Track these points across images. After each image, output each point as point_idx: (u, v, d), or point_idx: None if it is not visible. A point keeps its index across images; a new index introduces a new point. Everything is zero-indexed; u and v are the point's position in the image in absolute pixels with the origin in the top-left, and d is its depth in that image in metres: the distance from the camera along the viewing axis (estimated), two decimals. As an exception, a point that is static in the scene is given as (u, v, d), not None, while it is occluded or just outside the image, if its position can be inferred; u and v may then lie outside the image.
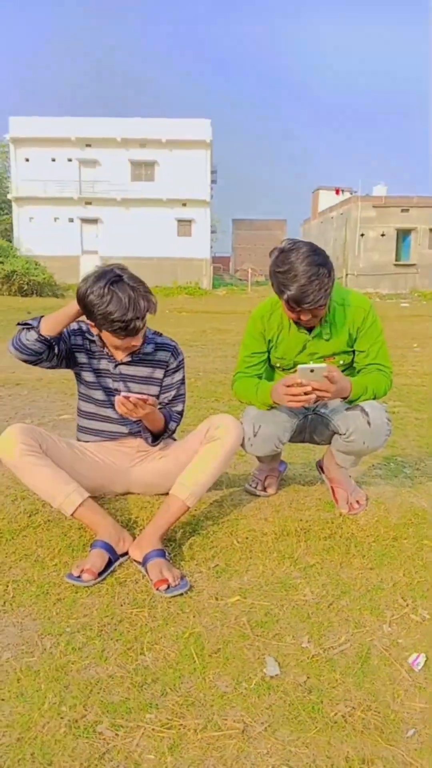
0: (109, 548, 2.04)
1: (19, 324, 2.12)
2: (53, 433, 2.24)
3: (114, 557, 2.05)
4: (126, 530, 2.16)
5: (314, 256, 2.00)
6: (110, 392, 2.26)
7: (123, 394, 1.98)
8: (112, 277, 1.97)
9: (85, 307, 2.00)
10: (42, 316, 2.11)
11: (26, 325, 2.08)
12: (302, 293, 1.98)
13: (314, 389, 1.98)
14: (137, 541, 2.10)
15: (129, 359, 2.23)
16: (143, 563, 2.03)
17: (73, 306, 2.05)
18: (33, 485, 2.07)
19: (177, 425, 2.31)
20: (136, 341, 2.10)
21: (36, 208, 35.84)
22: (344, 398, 2.14)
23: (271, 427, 2.26)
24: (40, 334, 2.06)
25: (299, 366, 2.01)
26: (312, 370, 1.97)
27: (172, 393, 2.32)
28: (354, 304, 2.23)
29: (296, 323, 2.19)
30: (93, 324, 2.06)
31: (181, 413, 2.36)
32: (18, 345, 2.07)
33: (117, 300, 1.94)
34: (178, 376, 2.32)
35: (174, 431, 2.31)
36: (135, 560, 2.07)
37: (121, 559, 2.07)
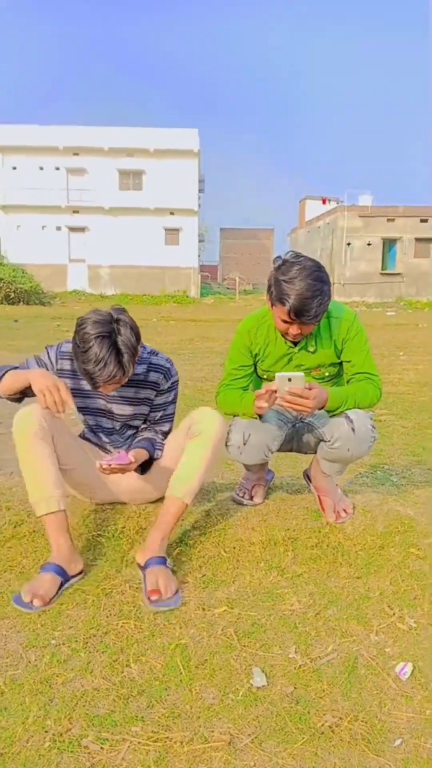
0: (62, 571, 2.00)
1: None
2: (63, 425, 2.20)
3: (65, 579, 2.01)
4: (78, 554, 2.12)
5: (319, 273, 2.03)
6: (101, 413, 2.26)
7: (101, 463, 2.00)
8: (107, 330, 1.91)
9: (73, 340, 1.98)
10: (6, 371, 2.13)
11: None
12: (303, 306, 1.99)
13: (291, 403, 1.99)
14: (142, 546, 2.10)
15: None
16: (143, 569, 2.02)
17: (33, 381, 2.04)
18: (25, 468, 2.03)
19: (161, 450, 2.28)
20: (111, 388, 2.04)
21: (23, 216, 35.75)
22: (322, 408, 2.12)
23: (260, 436, 2.26)
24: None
25: (277, 374, 2.01)
26: (290, 379, 1.98)
27: (160, 414, 2.30)
28: (338, 316, 2.25)
29: (284, 335, 2.19)
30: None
31: (166, 433, 2.34)
32: None
33: (94, 356, 1.89)
34: (169, 397, 2.28)
35: (158, 458, 2.28)
36: (139, 565, 2.07)
37: (72, 580, 2.03)
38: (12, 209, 35.73)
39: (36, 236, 35.72)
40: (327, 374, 2.31)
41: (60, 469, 2.17)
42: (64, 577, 2.00)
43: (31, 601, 1.89)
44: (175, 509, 2.09)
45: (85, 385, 2.18)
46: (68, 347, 2.15)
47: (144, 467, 2.25)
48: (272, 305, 2.10)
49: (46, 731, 1.40)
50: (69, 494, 2.43)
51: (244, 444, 2.26)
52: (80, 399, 2.23)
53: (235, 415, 2.31)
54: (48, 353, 2.22)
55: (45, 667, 1.63)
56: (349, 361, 2.27)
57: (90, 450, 2.31)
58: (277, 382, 2.00)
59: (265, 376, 2.36)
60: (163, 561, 2.03)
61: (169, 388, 2.26)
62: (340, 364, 2.31)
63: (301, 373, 2.01)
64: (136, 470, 2.22)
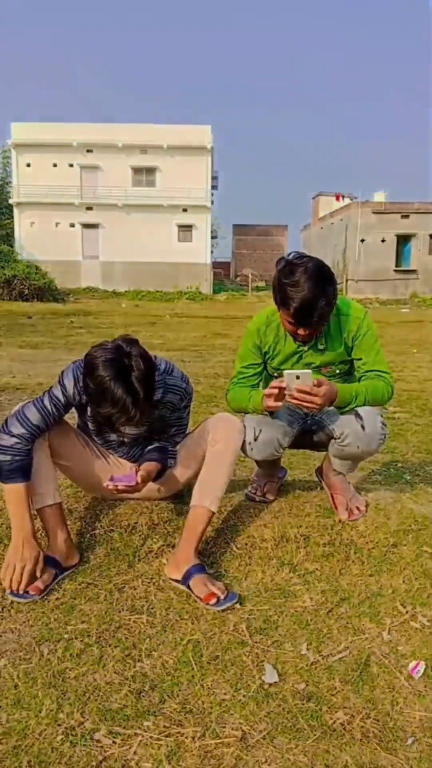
0: (56, 563, 2.03)
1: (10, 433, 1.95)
2: (65, 421, 2.18)
3: (60, 571, 2.04)
4: (75, 547, 2.14)
5: (322, 274, 2.00)
6: (110, 443, 2.22)
7: (108, 483, 1.97)
8: (119, 370, 1.77)
9: (84, 383, 1.86)
10: (15, 477, 1.96)
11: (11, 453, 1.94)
12: (308, 309, 1.98)
13: (300, 400, 1.97)
14: (173, 560, 2.08)
15: None
16: (184, 581, 2.00)
17: (11, 547, 1.98)
18: None
19: (174, 459, 2.25)
20: (129, 428, 1.96)
21: (37, 213, 35.95)
22: (332, 404, 2.10)
23: (271, 432, 2.26)
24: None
25: (285, 371, 2.00)
26: (297, 377, 1.97)
27: (174, 429, 2.24)
28: (348, 313, 2.23)
29: (293, 336, 2.19)
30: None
31: (178, 442, 2.30)
32: None
33: (110, 400, 1.77)
34: (183, 413, 2.23)
35: (171, 466, 2.24)
36: (173, 579, 2.04)
37: (67, 572, 2.06)
38: (26, 206, 35.93)
39: (50, 233, 35.90)
40: (338, 371, 2.30)
41: (61, 464, 2.19)
42: (58, 568, 2.02)
43: (27, 591, 1.92)
44: (203, 518, 2.07)
45: None
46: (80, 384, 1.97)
47: (157, 474, 2.22)
48: (278, 308, 2.10)
49: (58, 725, 1.41)
50: (80, 490, 2.44)
51: (255, 440, 2.25)
52: (91, 422, 2.15)
53: (245, 413, 2.31)
54: (65, 387, 1.98)
55: (58, 661, 1.64)
56: (359, 359, 2.26)
57: (94, 445, 2.26)
58: (286, 379, 1.99)
59: (275, 374, 2.35)
60: (202, 568, 2.02)
61: (184, 406, 2.20)
62: (351, 361, 2.30)
63: (309, 370, 2.01)
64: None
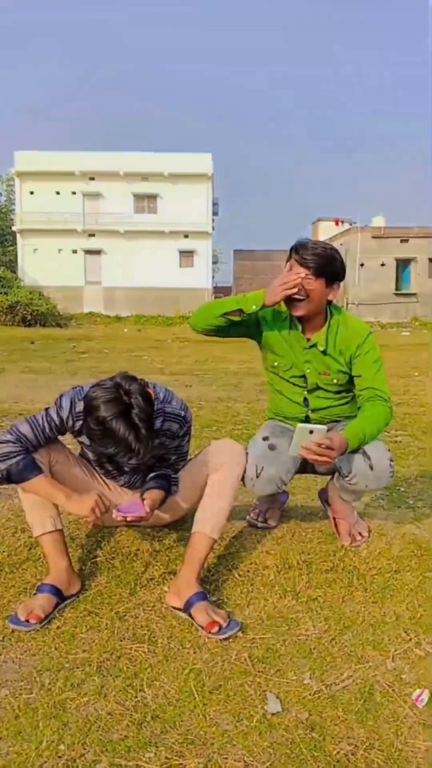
0: (57, 592, 2.00)
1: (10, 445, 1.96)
2: (66, 448, 2.19)
3: (61, 600, 2.01)
4: (77, 575, 2.13)
5: (334, 249, 2.20)
6: (111, 472, 2.18)
7: (117, 514, 1.95)
8: (120, 409, 1.77)
9: (86, 423, 1.85)
10: (33, 471, 1.96)
11: (10, 461, 1.95)
12: (307, 246, 2.15)
13: (318, 454, 1.95)
14: (174, 587, 2.06)
15: None
16: (185, 609, 1.98)
17: (72, 510, 1.98)
18: (21, 490, 2.04)
19: (177, 486, 2.23)
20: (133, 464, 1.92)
21: (40, 240, 36.36)
22: (344, 453, 2.07)
23: (273, 469, 2.25)
24: (3, 480, 1.98)
25: (299, 425, 1.98)
26: (311, 431, 1.96)
27: (174, 456, 2.22)
28: (352, 328, 2.25)
29: (287, 305, 2.20)
30: (103, 510, 1.97)
31: (179, 469, 2.28)
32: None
33: (113, 441, 1.78)
34: (183, 441, 2.20)
35: (174, 494, 2.22)
36: (174, 607, 2.03)
37: (68, 601, 2.04)
38: (29, 233, 36.35)
39: (52, 259, 36.27)
40: (335, 381, 2.29)
41: None
42: (60, 597, 2.01)
43: (27, 620, 1.90)
44: (204, 545, 2.06)
45: None
46: (82, 407, 1.91)
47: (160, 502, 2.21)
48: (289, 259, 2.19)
49: (59, 756, 1.40)
50: (80, 518, 2.43)
51: (257, 477, 2.24)
52: (91, 452, 2.14)
53: (212, 328, 2.23)
54: (61, 408, 1.99)
55: (59, 691, 1.63)
56: (359, 376, 2.24)
57: (96, 472, 2.26)
58: (297, 434, 1.97)
59: (276, 363, 2.33)
60: (204, 596, 2.00)
61: (184, 434, 2.17)
62: (351, 378, 2.29)
63: (324, 426, 2.02)
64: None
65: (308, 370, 2.28)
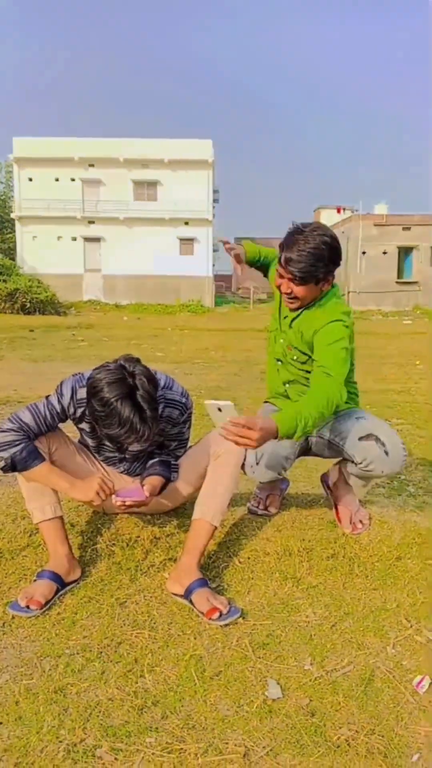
0: (57, 578, 2.00)
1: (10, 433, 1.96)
2: (66, 435, 2.18)
3: (62, 586, 2.01)
4: (77, 561, 2.13)
5: (327, 240, 2.10)
6: (111, 459, 2.20)
7: (117, 499, 1.94)
8: (125, 390, 1.78)
9: (90, 405, 1.85)
10: (35, 459, 1.97)
11: (13, 449, 1.95)
12: (294, 255, 2.08)
13: (234, 434, 1.80)
14: (174, 574, 2.06)
15: None
16: (186, 595, 1.98)
17: (77, 496, 1.99)
18: (21, 478, 2.05)
19: (177, 473, 2.23)
20: (137, 447, 1.94)
21: (39, 227, 36.15)
22: (277, 438, 1.89)
23: (273, 455, 2.24)
24: (6, 467, 1.98)
25: (205, 402, 1.89)
26: (220, 408, 1.83)
27: (175, 443, 2.22)
28: (323, 311, 2.20)
29: (278, 288, 2.22)
30: (111, 487, 1.98)
31: (179, 456, 2.28)
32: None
33: (117, 421, 1.77)
34: (183, 428, 2.20)
35: (174, 480, 2.22)
36: (175, 593, 2.03)
37: (68, 587, 2.04)
38: (28, 220, 36.14)
39: (52, 247, 36.09)
40: (295, 357, 2.30)
41: None
42: (60, 583, 2.01)
43: (27, 606, 1.90)
44: (205, 532, 2.06)
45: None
46: (83, 394, 1.93)
47: (160, 488, 2.21)
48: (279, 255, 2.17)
49: (60, 741, 1.40)
50: (81, 504, 2.43)
51: (257, 463, 2.24)
52: (91, 439, 2.14)
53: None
54: (62, 395, 1.99)
55: (59, 677, 1.63)
56: (316, 358, 2.16)
57: (96, 459, 2.26)
58: (208, 411, 1.87)
59: (269, 327, 2.48)
60: (204, 582, 2.00)
61: (184, 420, 2.16)
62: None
63: (229, 403, 1.84)
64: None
65: (281, 340, 2.35)
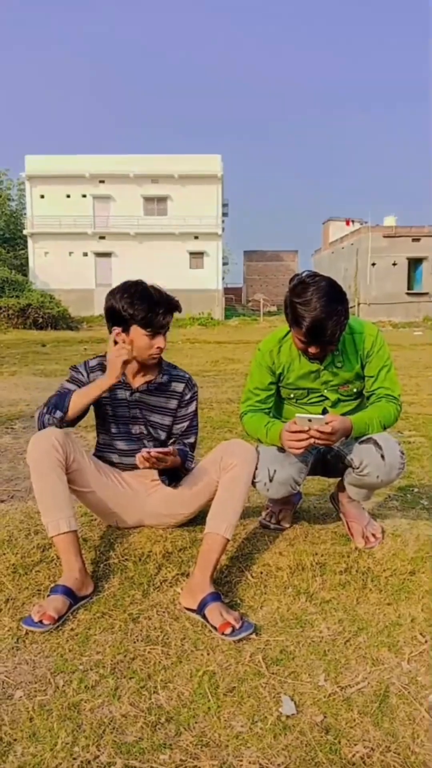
0: (70, 593, 2.00)
1: (47, 407, 2.17)
2: (82, 448, 2.25)
3: (75, 601, 2.01)
4: (90, 576, 2.13)
5: (333, 292, 2.01)
6: (126, 421, 2.30)
7: (144, 451, 2.04)
8: (137, 282, 2.19)
9: (114, 308, 2.15)
10: (68, 396, 2.14)
11: (55, 408, 2.14)
12: (319, 328, 1.98)
13: (315, 438, 2.01)
14: (187, 588, 2.06)
15: (145, 387, 2.27)
16: (199, 610, 1.97)
17: (105, 381, 2.11)
18: (37, 491, 2.07)
19: (192, 462, 2.30)
20: (161, 342, 2.19)
21: (51, 243, 36.57)
22: (347, 437, 2.14)
23: (286, 471, 2.24)
24: (64, 420, 2.13)
25: (297, 416, 2.02)
26: (310, 420, 2.01)
27: (185, 424, 2.35)
28: (362, 331, 2.24)
29: (304, 354, 2.19)
30: (120, 330, 2.16)
31: (193, 445, 2.37)
32: (41, 427, 2.15)
33: (146, 295, 2.13)
34: (191, 408, 2.36)
35: (190, 470, 2.29)
36: (187, 608, 2.02)
37: (81, 602, 2.04)
38: (40, 236, 36.56)
39: (63, 262, 36.47)
40: (355, 390, 2.30)
41: (78, 491, 2.23)
42: (73, 598, 2.01)
43: (41, 621, 1.90)
44: (217, 545, 2.07)
45: (115, 392, 2.28)
46: (94, 362, 2.29)
47: (172, 477, 2.26)
48: (290, 327, 2.11)
49: (74, 758, 1.40)
50: (95, 519, 2.45)
51: (270, 480, 2.23)
52: (110, 407, 2.29)
53: (258, 441, 2.31)
54: (79, 369, 2.28)
55: (73, 693, 1.63)
56: (371, 377, 2.25)
57: (110, 472, 2.32)
58: (298, 423, 2.03)
59: (291, 395, 2.34)
60: (218, 596, 2.00)
61: (190, 398, 2.36)
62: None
63: (321, 416, 2.02)
64: (164, 482, 2.26)
65: (326, 391, 2.29)
